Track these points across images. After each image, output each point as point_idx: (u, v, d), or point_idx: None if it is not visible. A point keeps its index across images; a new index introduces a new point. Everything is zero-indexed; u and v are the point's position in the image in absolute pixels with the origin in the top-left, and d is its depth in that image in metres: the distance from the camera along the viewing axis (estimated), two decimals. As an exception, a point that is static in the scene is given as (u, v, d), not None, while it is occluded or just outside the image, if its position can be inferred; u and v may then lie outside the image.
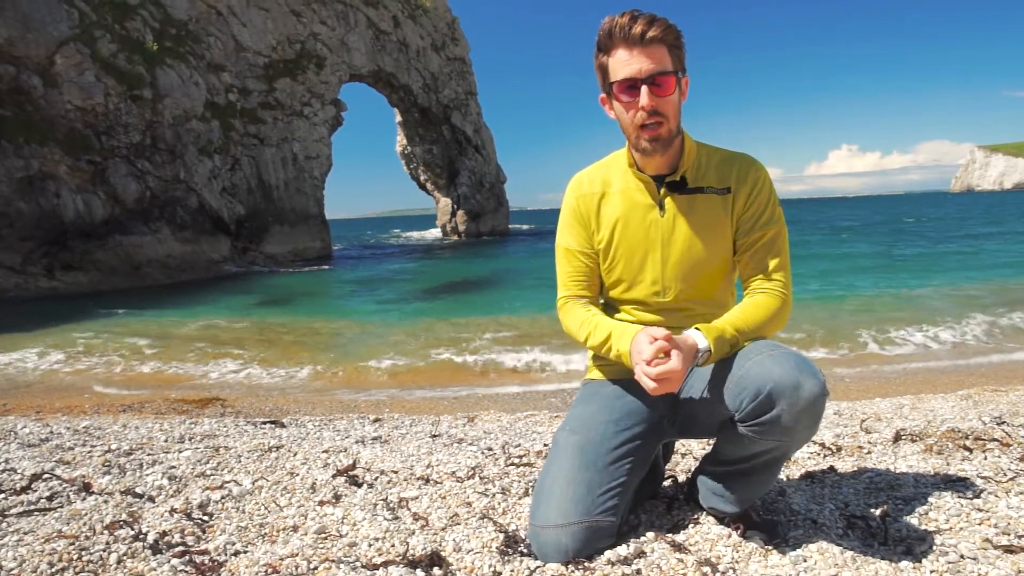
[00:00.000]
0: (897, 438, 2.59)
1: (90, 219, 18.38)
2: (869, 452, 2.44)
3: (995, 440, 2.36)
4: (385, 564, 1.49)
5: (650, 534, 1.60)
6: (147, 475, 2.24)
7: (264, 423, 3.78)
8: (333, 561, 1.50)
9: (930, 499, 1.82)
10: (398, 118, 38.62)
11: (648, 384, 1.37)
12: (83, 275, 18.00)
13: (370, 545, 1.61)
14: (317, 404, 5.65)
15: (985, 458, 2.17)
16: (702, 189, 1.60)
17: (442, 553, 1.54)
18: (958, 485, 1.92)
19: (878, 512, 1.75)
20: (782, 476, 2.13)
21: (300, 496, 2.01)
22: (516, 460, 2.44)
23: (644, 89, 1.48)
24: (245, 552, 1.61)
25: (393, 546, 1.60)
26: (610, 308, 1.76)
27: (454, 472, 2.26)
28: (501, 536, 1.63)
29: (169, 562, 1.51)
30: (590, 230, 1.69)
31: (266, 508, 1.92)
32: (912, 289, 12.10)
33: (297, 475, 2.24)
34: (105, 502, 1.90)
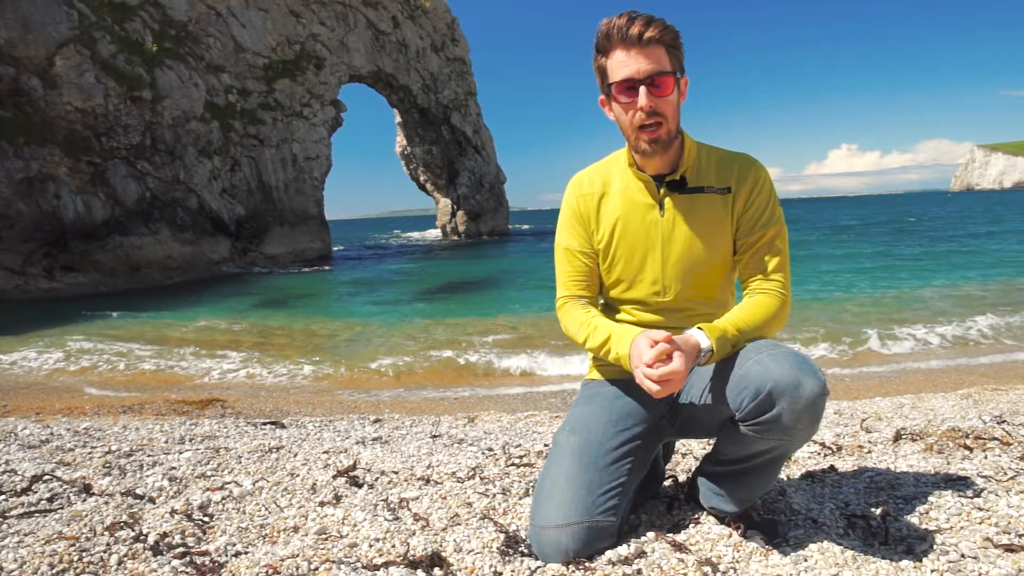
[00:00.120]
0: (897, 437, 2.59)
1: (90, 220, 18.38)
2: (869, 451, 2.44)
3: (995, 439, 2.36)
4: (386, 565, 1.48)
5: (651, 534, 1.60)
6: (147, 476, 2.24)
7: (264, 424, 3.78)
8: (334, 562, 1.50)
9: (931, 498, 1.82)
10: (398, 119, 38.63)
11: (651, 387, 1.37)
12: (83, 276, 18.00)
13: (371, 546, 1.61)
14: (317, 405, 5.65)
15: (985, 457, 2.17)
16: (702, 189, 1.60)
17: (443, 553, 1.54)
18: (958, 484, 1.92)
19: (879, 511, 1.75)
20: (782, 476, 2.13)
21: (300, 497, 2.01)
22: (516, 460, 2.44)
23: (642, 90, 1.48)
24: (246, 553, 1.61)
25: (394, 547, 1.60)
26: (610, 308, 1.76)
27: (454, 472, 2.26)
28: (502, 536, 1.63)
29: (170, 563, 1.51)
30: (590, 230, 1.69)
31: (266, 509, 1.92)
32: (912, 289, 12.10)
33: (297, 476, 2.24)
34: (106, 503, 1.90)
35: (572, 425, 1.67)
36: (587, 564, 1.46)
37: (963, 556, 1.46)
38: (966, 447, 2.32)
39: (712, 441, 1.72)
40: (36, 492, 1.98)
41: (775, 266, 1.58)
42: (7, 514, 1.81)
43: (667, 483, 2.00)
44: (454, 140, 38.31)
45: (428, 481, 2.17)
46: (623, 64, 1.49)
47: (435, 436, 3.24)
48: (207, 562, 1.53)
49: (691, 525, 1.67)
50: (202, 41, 23.28)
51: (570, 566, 1.46)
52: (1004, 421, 2.75)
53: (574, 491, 1.52)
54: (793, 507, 1.78)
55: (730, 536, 1.57)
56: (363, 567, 1.48)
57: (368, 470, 2.32)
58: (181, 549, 1.61)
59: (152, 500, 1.98)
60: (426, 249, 36.12)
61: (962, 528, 1.62)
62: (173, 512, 1.84)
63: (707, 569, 1.43)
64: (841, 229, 37.03)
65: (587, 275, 1.71)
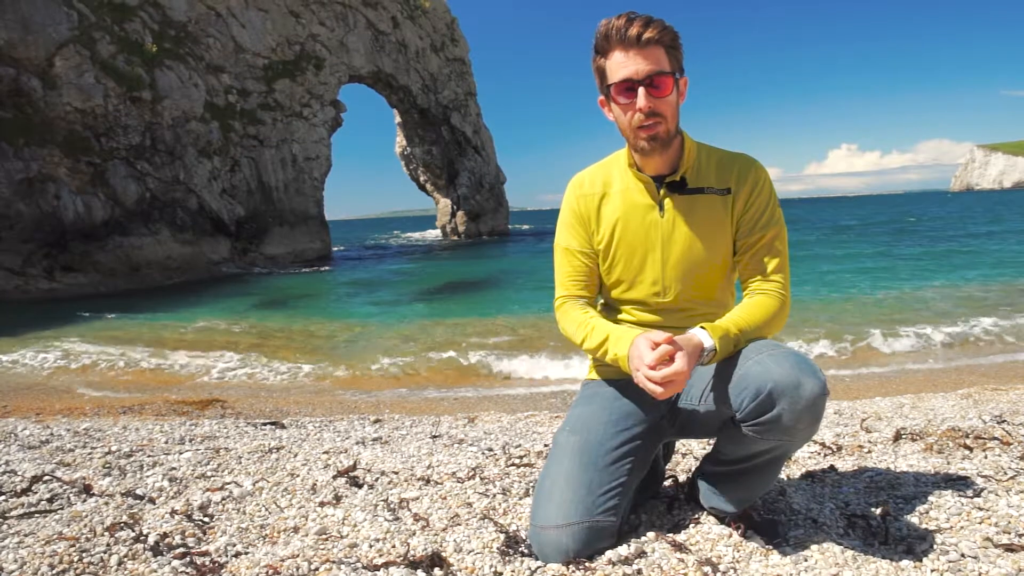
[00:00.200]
0: (897, 437, 2.59)
1: (90, 221, 18.38)
2: (869, 451, 2.44)
3: (995, 439, 2.36)
4: (386, 565, 1.48)
5: (651, 534, 1.60)
6: (148, 477, 2.24)
7: (264, 424, 3.78)
8: (334, 562, 1.50)
9: (931, 498, 1.82)
10: (397, 119, 38.63)
11: (653, 389, 1.35)
12: (83, 277, 18.00)
13: (371, 546, 1.61)
14: (317, 405, 5.64)
15: (985, 457, 2.17)
16: (702, 190, 1.60)
17: (443, 554, 1.54)
18: (958, 484, 1.92)
19: (879, 511, 1.75)
20: (782, 475, 2.13)
21: (301, 497, 2.01)
22: (517, 461, 2.44)
23: (641, 90, 1.48)
24: (246, 553, 1.61)
25: (394, 547, 1.60)
26: (610, 309, 1.76)
27: (455, 473, 2.26)
28: (502, 537, 1.63)
29: (170, 563, 1.51)
30: (590, 230, 1.69)
31: (267, 509, 1.92)
32: (913, 289, 12.10)
33: (298, 476, 2.24)
34: (106, 504, 1.90)
35: (572, 425, 1.67)
36: (587, 564, 1.46)
37: (963, 556, 1.46)
38: (966, 447, 2.32)
39: (712, 441, 1.72)
40: (36, 493, 1.98)
41: (775, 267, 1.58)
42: (7, 515, 1.81)
43: (667, 483, 2.00)
44: (454, 140, 38.32)
45: (428, 481, 2.17)
46: (622, 65, 1.49)
47: (435, 436, 3.24)
48: (207, 562, 1.53)
49: (691, 525, 1.67)
50: (202, 41, 23.29)
51: (570, 566, 1.46)
52: (1004, 421, 2.75)
53: (574, 491, 1.52)
54: (793, 507, 1.78)
55: (730, 536, 1.57)
56: (363, 567, 1.48)
57: (368, 470, 2.32)
58: (181, 549, 1.61)
59: (152, 500, 1.98)
60: (426, 249, 36.12)
61: (962, 528, 1.62)
62: (173, 512, 1.84)
63: (707, 569, 1.43)
64: (841, 229, 37.04)
65: (586, 275, 1.71)
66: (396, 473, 2.28)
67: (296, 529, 1.75)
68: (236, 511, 1.90)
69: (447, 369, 7.26)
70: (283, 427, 3.70)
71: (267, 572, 1.47)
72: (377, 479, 2.20)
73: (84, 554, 1.55)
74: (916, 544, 1.54)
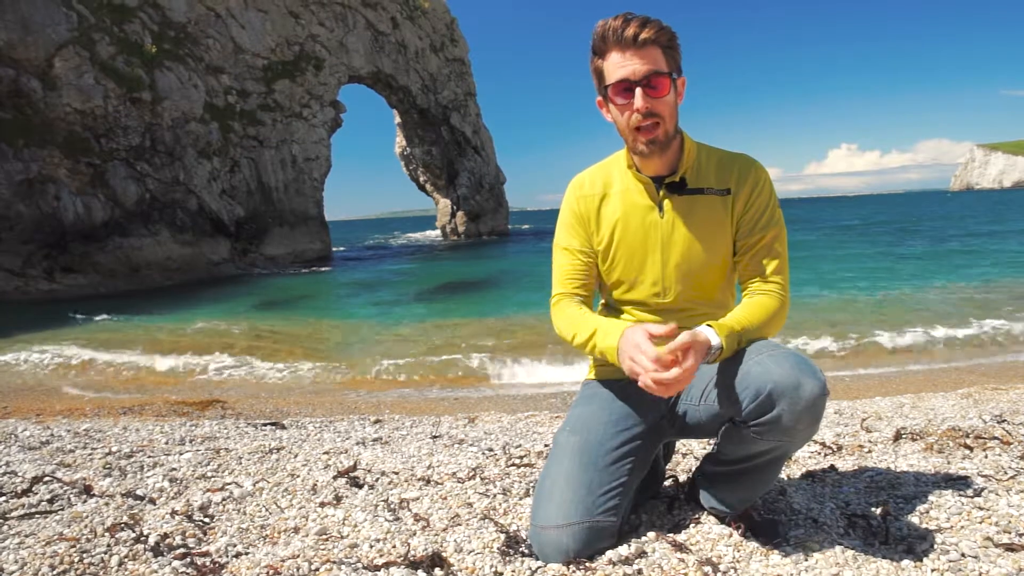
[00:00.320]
0: (898, 437, 2.59)
1: (90, 221, 18.38)
2: (870, 451, 2.44)
3: (996, 438, 2.36)
4: (386, 565, 1.49)
5: (651, 534, 1.60)
6: (148, 477, 2.24)
7: (265, 425, 3.78)
8: (334, 562, 1.51)
9: (931, 498, 1.82)
10: (397, 119, 38.64)
11: (664, 377, 1.31)
12: (83, 277, 18.00)
13: (371, 546, 1.61)
14: (317, 405, 5.65)
15: (986, 456, 2.17)
16: (702, 190, 1.59)
17: (443, 554, 1.54)
18: (959, 483, 1.92)
19: (879, 511, 1.75)
20: (783, 475, 2.13)
21: (301, 497, 2.01)
22: (517, 461, 2.44)
23: (638, 91, 1.48)
24: (246, 554, 1.61)
25: (394, 547, 1.60)
26: (611, 309, 1.76)
27: (455, 473, 2.26)
28: (502, 537, 1.63)
29: (170, 564, 1.51)
30: (590, 231, 1.69)
31: (267, 510, 1.92)
32: (913, 289, 12.10)
33: (298, 476, 2.24)
34: (106, 504, 1.90)
35: (572, 425, 1.67)
36: (587, 564, 1.46)
37: (963, 555, 1.46)
38: (966, 446, 2.32)
39: (712, 441, 1.72)
40: (37, 493, 1.98)
41: (774, 269, 1.58)
42: (8, 515, 1.81)
43: (667, 483, 2.00)
44: (454, 140, 38.32)
45: (428, 481, 2.17)
46: (619, 66, 1.49)
47: (435, 436, 3.24)
48: (208, 563, 1.53)
49: (691, 525, 1.67)
50: (201, 42, 23.29)
51: (570, 566, 1.46)
52: (1004, 420, 2.75)
53: (574, 491, 1.52)
54: (793, 507, 1.78)
55: (730, 536, 1.57)
56: (364, 568, 1.48)
57: (368, 471, 2.32)
58: (182, 550, 1.61)
59: (153, 501, 1.98)
60: (426, 250, 36.13)
61: (962, 527, 1.62)
62: (174, 513, 1.84)
63: (707, 569, 1.43)
64: (841, 229, 37.03)
65: (584, 274, 1.70)
66: (396, 473, 2.28)
67: (296, 529, 1.75)
68: (236, 511, 1.90)
69: (447, 369, 7.26)
70: (283, 427, 3.70)
71: (267, 572, 1.47)
72: (377, 479, 2.20)
73: (85, 555, 1.55)
74: (916, 544, 1.54)
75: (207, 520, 1.82)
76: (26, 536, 1.66)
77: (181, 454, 2.64)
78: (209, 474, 2.30)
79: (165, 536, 1.68)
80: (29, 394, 6.53)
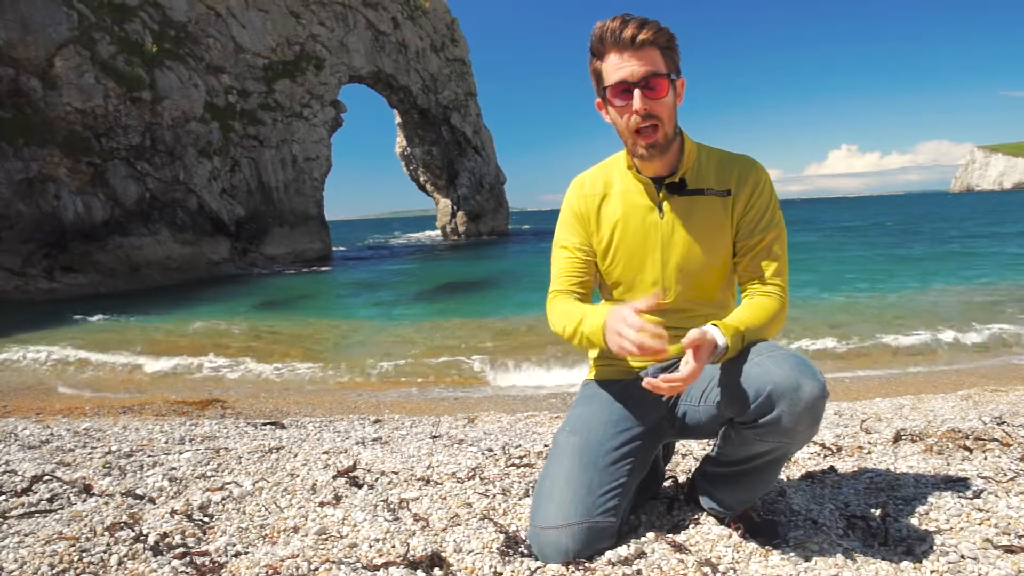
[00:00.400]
0: (897, 438, 2.59)
1: (90, 221, 18.38)
2: (869, 452, 2.44)
3: (995, 440, 2.36)
4: (386, 565, 1.49)
5: (650, 534, 1.60)
6: (148, 477, 2.24)
7: (264, 424, 3.78)
8: (334, 562, 1.50)
9: (930, 499, 1.82)
10: (398, 119, 38.64)
11: (669, 380, 1.31)
12: (83, 277, 18.00)
13: (370, 546, 1.61)
14: (317, 405, 5.65)
15: (985, 458, 2.17)
16: (702, 191, 1.59)
17: (443, 554, 1.54)
18: (958, 485, 1.92)
19: (878, 512, 1.75)
20: (782, 476, 2.13)
21: (300, 497, 2.01)
22: (516, 461, 2.44)
23: (637, 92, 1.48)
24: (246, 553, 1.61)
25: (394, 547, 1.60)
26: (611, 310, 1.76)
27: (454, 473, 2.26)
28: (502, 537, 1.63)
29: (170, 563, 1.51)
30: (590, 230, 1.69)
31: (267, 509, 1.92)
32: (914, 290, 12.10)
33: (297, 476, 2.24)
34: (106, 504, 1.90)
35: (572, 425, 1.67)
36: (587, 564, 1.46)
37: (963, 557, 1.46)
38: (966, 448, 2.32)
39: (712, 442, 1.72)
40: (36, 492, 1.99)
41: (774, 270, 1.58)
42: (7, 514, 1.81)
43: (667, 484, 2.00)
44: (454, 140, 38.32)
45: (428, 481, 2.17)
46: (617, 67, 1.49)
47: (435, 436, 3.24)
48: (207, 562, 1.53)
49: (691, 526, 1.67)
50: (202, 42, 23.29)
51: (570, 566, 1.46)
52: (1004, 422, 2.75)
53: (574, 491, 1.52)
54: (793, 508, 1.78)
55: (730, 537, 1.57)
56: (363, 567, 1.48)
57: (368, 470, 2.32)
58: (181, 549, 1.61)
59: (152, 500, 1.98)
60: (426, 250, 36.13)
61: (962, 529, 1.62)
62: (173, 512, 1.84)
63: (707, 570, 1.43)
64: (842, 230, 37.04)
65: (582, 272, 1.69)
66: (396, 473, 2.28)
67: (296, 529, 1.75)
68: (236, 511, 1.90)
69: (447, 369, 7.26)
70: (283, 427, 3.70)
71: (267, 572, 1.47)
72: (377, 479, 2.20)
73: (84, 554, 1.55)
74: (916, 545, 1.54)
75: (207, 519, 1.82)
76: (26, 535, 1.67)
77: (181, 453, 2.64)
78: (209, 473, 2.30)
79: (164, 535, 1.68)
80: (29, 393, 6.53)
